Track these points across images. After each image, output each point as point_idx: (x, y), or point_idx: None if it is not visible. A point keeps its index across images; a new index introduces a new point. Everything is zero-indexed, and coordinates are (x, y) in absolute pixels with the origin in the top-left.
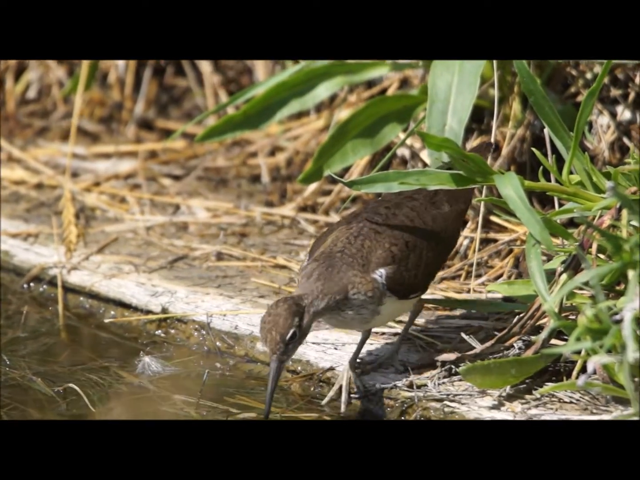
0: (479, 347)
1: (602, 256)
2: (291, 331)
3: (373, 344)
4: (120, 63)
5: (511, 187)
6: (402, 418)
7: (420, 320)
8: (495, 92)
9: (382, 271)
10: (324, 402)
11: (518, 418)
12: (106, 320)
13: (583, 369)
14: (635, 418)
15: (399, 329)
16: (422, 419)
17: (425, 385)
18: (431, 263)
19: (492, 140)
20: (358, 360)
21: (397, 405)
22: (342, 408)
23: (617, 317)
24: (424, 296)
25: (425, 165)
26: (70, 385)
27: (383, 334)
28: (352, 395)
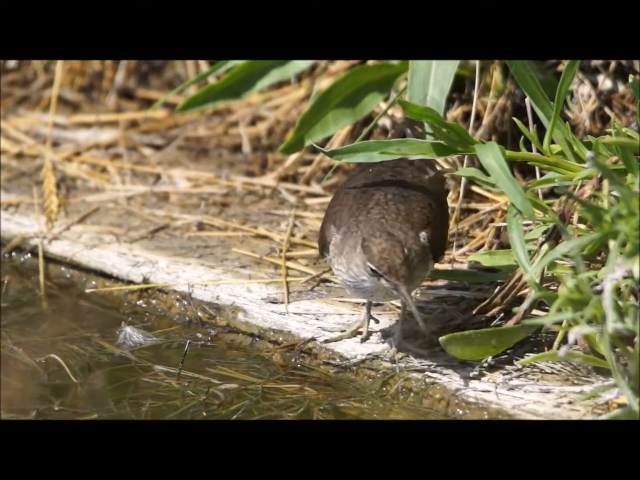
0: (460, 318)
1: (582, 226)
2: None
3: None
4: None
5: (492, 157)
6: (384, 389)
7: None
8: (476, 62)
9: (423, 234)
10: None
11: (499, 389)
12: (87, 291)
13: (564, 340)
14: (616, 388)
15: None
16: (403, 389)
17: (407, 356)
18: (446, 225)
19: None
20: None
21: (378, 376)
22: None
23: (598, 287)
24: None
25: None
26: (52, 355)
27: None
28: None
